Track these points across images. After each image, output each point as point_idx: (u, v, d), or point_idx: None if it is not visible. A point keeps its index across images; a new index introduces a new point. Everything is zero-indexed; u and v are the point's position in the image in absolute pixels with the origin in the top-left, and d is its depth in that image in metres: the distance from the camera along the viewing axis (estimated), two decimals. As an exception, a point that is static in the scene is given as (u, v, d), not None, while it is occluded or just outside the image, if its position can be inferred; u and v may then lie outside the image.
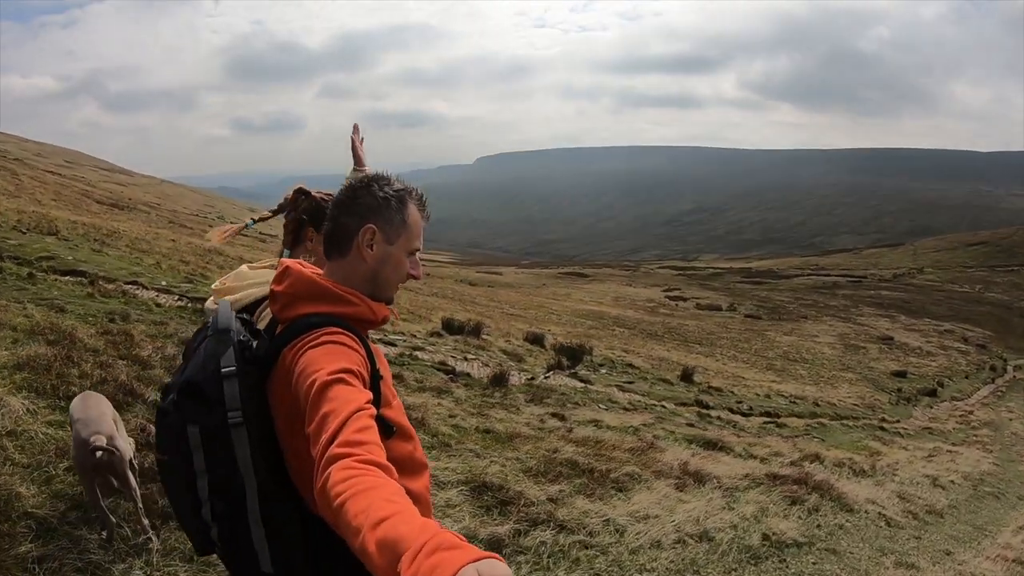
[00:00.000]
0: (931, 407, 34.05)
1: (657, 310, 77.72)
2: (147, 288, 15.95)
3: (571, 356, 20.81)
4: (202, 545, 1.90)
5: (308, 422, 1.59)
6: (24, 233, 21.96)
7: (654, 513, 6.03)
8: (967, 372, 50.15)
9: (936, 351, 59.18)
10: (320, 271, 1.99)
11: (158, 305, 13.98)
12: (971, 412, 31.89)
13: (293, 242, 2.73)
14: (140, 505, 3.98)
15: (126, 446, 3.97)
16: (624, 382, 18.59)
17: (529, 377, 16.11)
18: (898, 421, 25.70)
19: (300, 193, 2.75)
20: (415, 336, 18.85)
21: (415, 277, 2.07)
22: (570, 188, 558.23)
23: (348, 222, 1.97)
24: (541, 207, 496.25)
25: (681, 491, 6.89)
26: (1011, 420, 29.61)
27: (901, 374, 44.74)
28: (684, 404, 17.23)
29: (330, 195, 2.56)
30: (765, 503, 6.82)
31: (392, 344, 15.90)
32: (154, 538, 4.01)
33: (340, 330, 1.82)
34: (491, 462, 6.70)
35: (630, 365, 23.16)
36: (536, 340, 23.93)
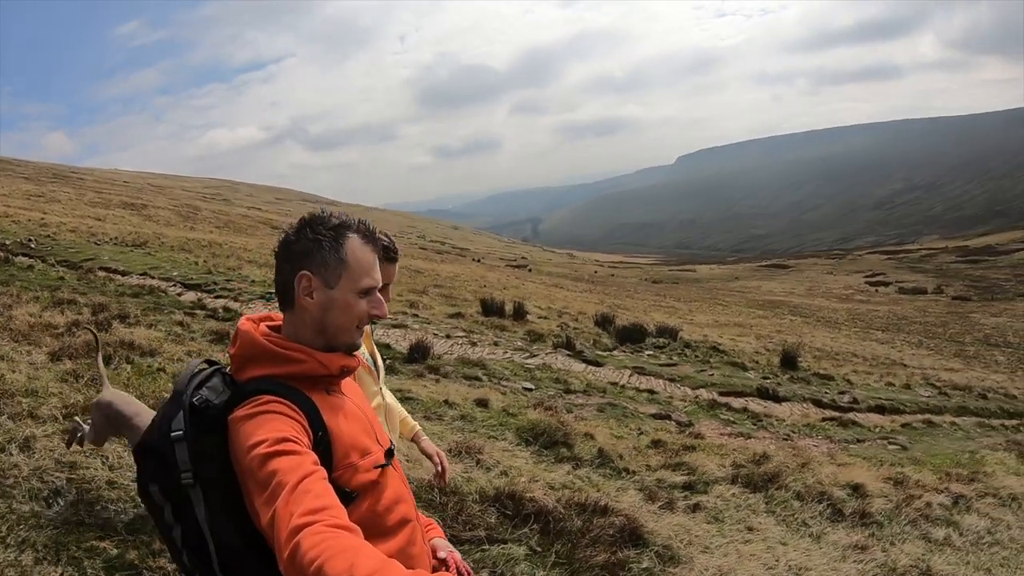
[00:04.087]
0: None
1: (852, 297, 74.55)
2: (152, 278, 17.66)
3: (628, 337, 18.47)
4: None
5: (255, 493, 1.56)
6: (98, 245, 24.42)
7: None
8: None
9: None
10: (274, 328, 1.94)
11: (112, 282, 16.17)
12: None
13: None
14: None
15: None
16: (659, 364, 15.26)
17: (528, 354, 13.67)
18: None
19: None
20: (423, 319, 16.78)
21: (379, 316, 1.93)
22: (774, 179, 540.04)
23: (285, 271, 1.86)
24: (747, 202, 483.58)
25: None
26: None
27: None
28: (732, 393, 13.89)
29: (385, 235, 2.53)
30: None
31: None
32: None
33: (274, 398, 1.71)
34: None
35: (714, 349, 19.84)
36: (603, 322, 21.32)
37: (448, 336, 14.43)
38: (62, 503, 4.30)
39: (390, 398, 2.83)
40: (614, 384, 12.24)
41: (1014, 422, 16.66)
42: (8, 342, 8.17)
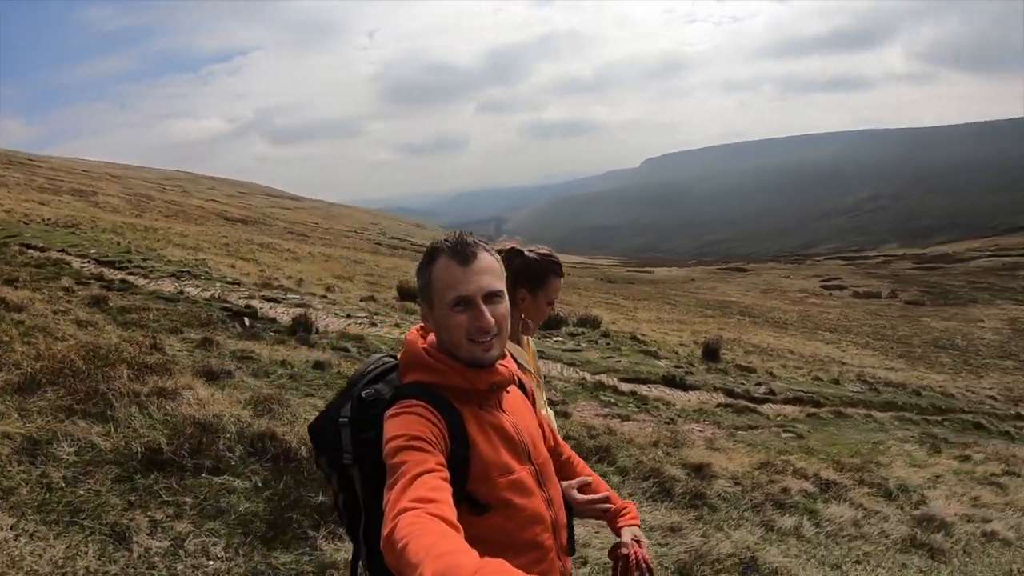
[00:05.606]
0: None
1: (805, 300, 75.17)
2: (68, 254, 17.66)
3: (544, 325, 17.92)
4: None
5: (387, 480, 1.68)
6: (26, 224, 24.88)
7: None
8: None
9: None
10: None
11: (23, 255, 16.29)
12: None
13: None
14: None
15: None
16: (563, 349, 15.40)
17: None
18: (1046, 418, 21.37)
19: (512, 253, 2.69)
20: (331, 300, 16.48)
21: (482, 329, 1.91)
22: (739, 185, 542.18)
23: None
24: (710, 207, 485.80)
25: None
26: None
27: (1080, 360, 38.89)
28: (636, 380, 13.83)
29: (544, 254, 2.73)
30: None
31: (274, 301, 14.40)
32: None
33: (420, 403, 1.86)
34: None
35: (633, 338, 19.83)
36: None
37: (349, 316, 14.31)
38: None
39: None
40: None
41: (939, 417, 16.77)
42: None
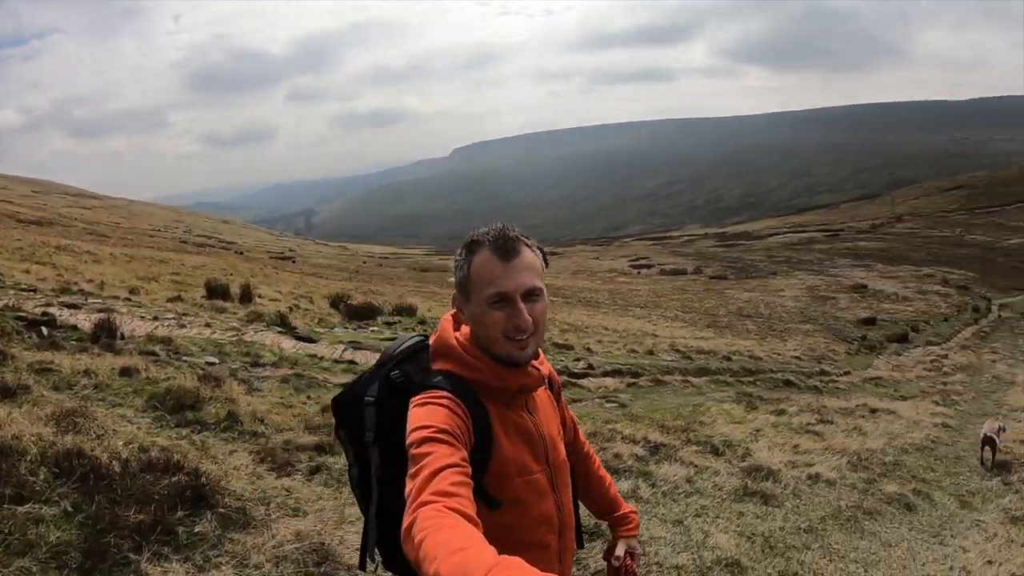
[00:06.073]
0: (899, 354, 32.55)
1: (615, 279, 77.54)
2: None
3: (358, 315, 18.76)
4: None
5: (409, 467, 1.66)
6: None
7: None
8: (947, 314, 48.92)
9: (914, 296, 57.97)
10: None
11: None
12: (945, 356, 30.75)
13: None
14: None
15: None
16: (381, 338, 15.05)
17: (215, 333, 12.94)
18: (847, 373, 23.43)
19: None
20: (135, 303, 15.70)
21: (519, 328, 1.87)
22: (547, 172, 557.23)
23: None
24: (520, 193, 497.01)
25: None
26: (994, 362, 28.25)
27: (870, 321, 43.34)
28: None
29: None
30: None
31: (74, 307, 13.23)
32: None
33: (449, 395, 1.83)
34: None
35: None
36: (336, 303, 21.67)
37: (156, 318, 13.65)
38: None
39: None
40: (314, 356, 12.00)
41: (751, 378, 17.93)
42: None
